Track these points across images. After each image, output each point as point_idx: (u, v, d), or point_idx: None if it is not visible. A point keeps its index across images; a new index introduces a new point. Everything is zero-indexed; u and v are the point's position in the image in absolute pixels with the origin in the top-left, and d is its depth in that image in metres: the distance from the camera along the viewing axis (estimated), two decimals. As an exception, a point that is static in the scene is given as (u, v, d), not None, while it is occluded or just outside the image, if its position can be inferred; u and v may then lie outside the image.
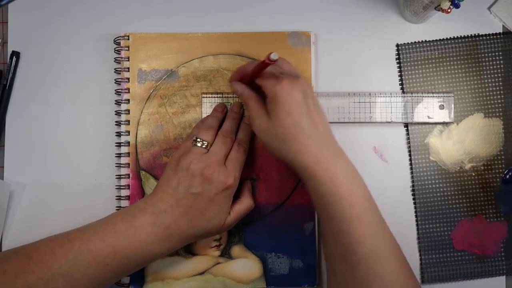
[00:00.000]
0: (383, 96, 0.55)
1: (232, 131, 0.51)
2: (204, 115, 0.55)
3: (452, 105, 0.55)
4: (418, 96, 0.55)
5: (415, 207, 0.56)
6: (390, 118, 0.55)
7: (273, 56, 0.42)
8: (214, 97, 0.55)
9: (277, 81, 0.45)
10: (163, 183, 0.47)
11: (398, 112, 0.55)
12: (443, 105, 0.55)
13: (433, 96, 0.55)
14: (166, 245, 0.46)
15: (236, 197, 0.51)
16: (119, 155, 0.55)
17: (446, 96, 0.55)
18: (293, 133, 0.45)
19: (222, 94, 0.55)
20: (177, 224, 0.46)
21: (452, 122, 0.55)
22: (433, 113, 0.55)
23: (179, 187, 0.46)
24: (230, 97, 0.55)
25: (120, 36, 0.56)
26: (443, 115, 0.55)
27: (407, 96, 0.55)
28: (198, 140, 0.49)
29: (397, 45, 0.57)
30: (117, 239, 0.45)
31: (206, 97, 0.55)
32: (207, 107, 0.55)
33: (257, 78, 0.48)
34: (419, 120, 0.55)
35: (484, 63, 0.56)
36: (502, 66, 0.56)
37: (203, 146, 0.49)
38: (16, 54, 0.56)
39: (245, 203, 0.51)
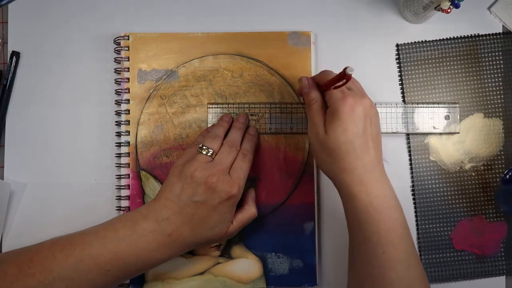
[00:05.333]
0: (389, 107, 0.55)
1: (237, 141, 0.51)
2: (210, 125, 0.55)
3: (458, 116, 0.55)
4: (423, 107, 0.55)
5: (415, 207, 0.56)
6: (396, 129, 0.55)
7: (349, 71, 0.42)
8: (220, 107, 0.55)
9: (342, 96, 0.45)
10: (166, 190, 0.47)
11: (403, 122, 0.55)
12: (448, 116, 0.55)
13: (439, 107, 0.55)
14: (168, 252, 0.46)
15: (240, 205, 0.50)
16: (119, 155, 0.55)
17: (452, 107, 0.55)
18: (344, 151, 0.44)
19: (228, 104, 0.55)
20: (179, 232, 0.46)
21: (458, 133, 0.55)
22: (439, 123, 0.55)
23: (183, 194, 0.46)
24: (236, 107, 0.55)
25: (120, 36, 0.56)
26: (449, 126, 0.55)
27: (413, 106, 0.55)
28: (204, 148, 0.48)
29: (397, 45, 0.57)
30: (118, 246, 0.45)
31: (212, 107, 0.55)
32: (213, 117, 0.55)
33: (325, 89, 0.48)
34: (424, 131, 0.55)
35: (484, 63, 0.56)
36: (502, 66, 0.56)
37: (208, 154, 0.48)
38: (16, 54, 0.56)
39: (248, 212, 0.51)
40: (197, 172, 0.46)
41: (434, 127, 0.55)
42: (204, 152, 0.48)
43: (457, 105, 0.55)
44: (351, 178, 0.45)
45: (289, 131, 0.55)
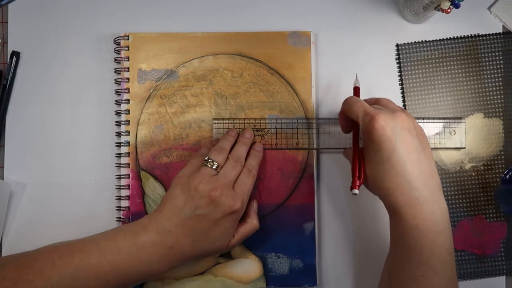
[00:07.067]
0: None
1: (242, 156, 0.51)
2: (214, 138, 0.54)
3: (464, 131, 0.55)
4: (429, 122, 0.54)
5: (415, 207, 0.55)
6: None
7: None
8: (226, 123, 0.54)
9: (372, 117, 0.43)
10: (169, 201, 0.47)
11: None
12: (454, 131, 0.55)
13: (444, 121, 0.55)
14: (168, 264, 0.46)
15: (242, 217, 0.50)
16: (119, 155, 0.55)
17: (458, 122, 0.55)
18: (382, 171, 0.43)
19: (234, 120, 0.54)
20: (180, 245, 0.46)
21: (464, 148, 0.55)
22: (445, 138, 0.55)
23: (185, 207, 0.46)
24: (242, 123, 0.54)
25: (120, 36, 0.56)
26: (455, 141, 0.55)
27: (418, 122, 0.54)
28: (210, 161, 0.48)
29: (397, 45, 0.57)
30: (118, 257, 0.44)
31: (217, 122, 0.55)
32: (218, 132, 0.54)
33: (353, 114, 0.46)
34: (430, 146, 0.54)
35: (484, 63, 0.56)
36: (502, 66, 0.56)
37: (213, 167, 0.48)
38: (16, 54, 0.56)
39: (250, 225, 0.50)
40: (201, 185, 0.46)
41: (440, 142, 0.54)
42: (209, 165, 0.48)
43: (463, 121, 0.55)
44: (397, 197, 0.42)
45: (295, 147, 0.54)
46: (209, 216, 0.46)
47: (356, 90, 0.51)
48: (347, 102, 0.47)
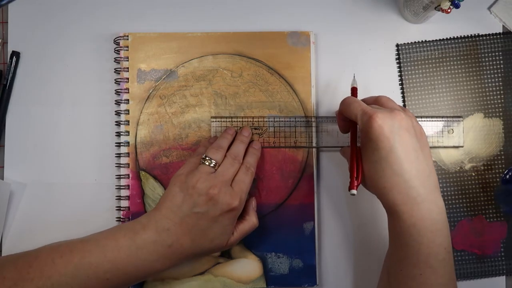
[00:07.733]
0: None
1: (240, 154, 0.51)
2: (212, 136, 0.54)
3: (462, 130, 0.55)
4: (427, 121, 0.55)
5: (415, 207, 0.55)
6: None
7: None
8: (224, 121, 0.55)
9: (370, 116, 0.43)
10: (167, 200, 0.47)
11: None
12: (452, 130, 0.55)
13: (443, 120, 0.55)
14: (167, 262, 0.46)
15: (240, 215, 0.50)
16: (119, 155, 0.55)
17: (456, 121, 0.55)
18: (380, 170, 0.43)
19: (232, 118, 0.54)
20: (180, 243, 0.46)
21: (462, 146, 0.55)
22: (443, 137, 0.55)
23: (184, 205, 0.46)
24: (240, 121, 0.54)
25: (119, 36, 0.56)
26: (453, 140, 0.55)
27: (417, 120, 0.54)
28: (207, 158, 0.48)
29: (397, 45, 0.57)
30: (118, 255, 0.45)
31: (215, 121, 0.55)
32: (216, 131, 0.54)
33: (351, 114, 0.46)
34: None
35: (484, 63, 0.56)
36: (502, 66, 0.56)
37: (211, 165, 0.48)
38: (16, 54, 0.56)
39: (249, 222, 0.50)
40: (199, 183, 0.46)
41: (438, 141, 0.54)
42: (207, 163, 0.48)
43: (461, 119, 0.55)
44: (394, 196, 0.43)
45: (293, 145, 0.54)
46: (208, 214, 0.46)
47: (354, 91, 0.51)
48: (344, 103, 0.47)
